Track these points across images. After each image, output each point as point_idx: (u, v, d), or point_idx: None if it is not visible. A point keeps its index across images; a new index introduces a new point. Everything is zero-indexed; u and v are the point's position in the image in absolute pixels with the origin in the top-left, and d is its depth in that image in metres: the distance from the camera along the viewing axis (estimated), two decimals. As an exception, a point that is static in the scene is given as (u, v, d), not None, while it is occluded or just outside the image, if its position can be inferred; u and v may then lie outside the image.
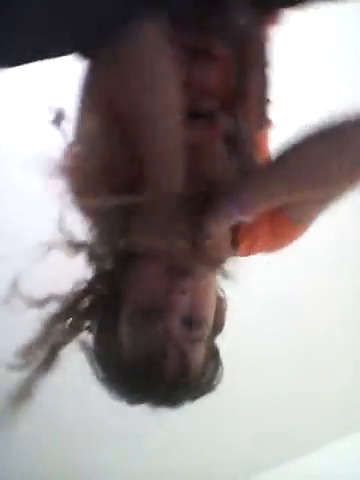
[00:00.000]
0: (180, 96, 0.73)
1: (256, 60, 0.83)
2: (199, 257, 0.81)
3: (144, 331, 0.77)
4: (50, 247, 0.81)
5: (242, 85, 0.80)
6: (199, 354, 0.80)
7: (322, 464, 2.39)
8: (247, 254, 0.95)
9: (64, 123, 0.77)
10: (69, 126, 0.78)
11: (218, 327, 0.88)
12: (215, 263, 0.86)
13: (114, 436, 2.31)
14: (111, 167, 0.74)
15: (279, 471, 2.39)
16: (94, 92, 0.76)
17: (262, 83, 0.85)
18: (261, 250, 0.96)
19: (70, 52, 0.74)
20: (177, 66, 0.73)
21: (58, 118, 0.76)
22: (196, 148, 0.77)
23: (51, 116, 0.77)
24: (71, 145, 0.77)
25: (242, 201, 0.79)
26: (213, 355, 0.86)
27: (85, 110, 0.77)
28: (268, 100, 0.87)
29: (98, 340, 0.83)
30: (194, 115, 0.77)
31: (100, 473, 2.27)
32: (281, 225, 0.91)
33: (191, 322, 0.79)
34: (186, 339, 0.78)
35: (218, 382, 0.84)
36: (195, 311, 0.79)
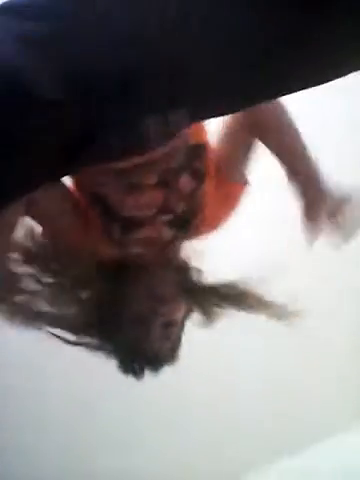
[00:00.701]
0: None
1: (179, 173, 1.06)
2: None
3: (138, 325, 1.14)
4: None
5: (171, 197, 1.06)
6: (168, 343, 1.17)
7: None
8: (204, 232, 1.19)
9: None
10: None
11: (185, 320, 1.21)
12: None
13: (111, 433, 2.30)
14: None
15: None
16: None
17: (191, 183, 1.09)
18: (214, 224, 1.21)
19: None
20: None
21: None
22: (147, 241, 1.10)
23: None
24: None
25: None
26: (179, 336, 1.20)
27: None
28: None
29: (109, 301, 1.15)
30: (139, 222, 1.07)
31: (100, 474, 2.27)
32: (225, 186, 1.17)
33: (167, 325, 1.15)
34: (162, 336, 1.15)
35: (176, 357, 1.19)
36: (170, 321, 1.16)
